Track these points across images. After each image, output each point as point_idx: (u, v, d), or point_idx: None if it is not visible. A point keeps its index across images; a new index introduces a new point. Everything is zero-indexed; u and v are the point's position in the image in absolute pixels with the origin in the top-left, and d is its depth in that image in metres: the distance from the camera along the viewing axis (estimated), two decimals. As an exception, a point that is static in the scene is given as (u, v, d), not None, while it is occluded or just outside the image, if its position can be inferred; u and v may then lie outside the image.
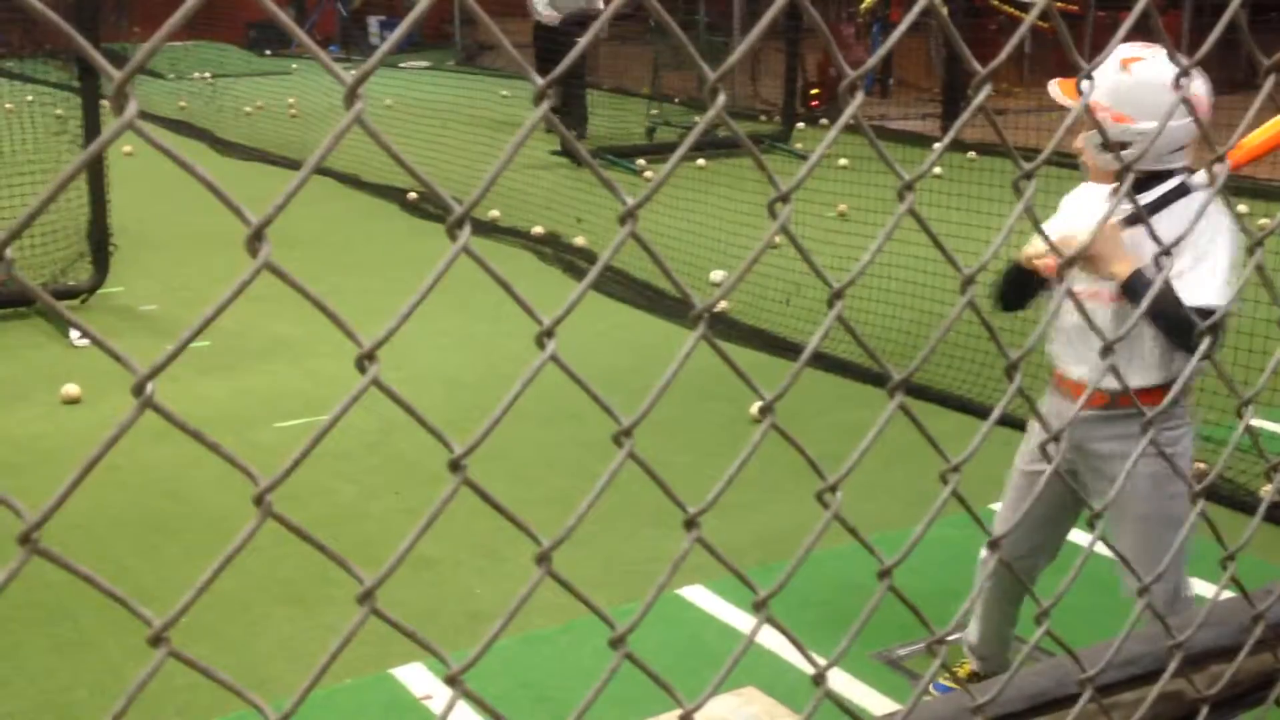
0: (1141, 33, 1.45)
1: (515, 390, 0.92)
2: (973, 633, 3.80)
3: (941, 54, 16.05)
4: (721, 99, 1.03)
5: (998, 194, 7.32)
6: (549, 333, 0.99)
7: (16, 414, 6.25)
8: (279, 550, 4.49)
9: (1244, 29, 1.29)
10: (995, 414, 1.24)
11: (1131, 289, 2.99)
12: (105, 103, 7.14)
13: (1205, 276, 2.99)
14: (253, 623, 4.28)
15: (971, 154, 11.46)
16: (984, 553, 3.54)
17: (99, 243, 7.93)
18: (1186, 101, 1.35)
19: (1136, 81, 3.08)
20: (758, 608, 1.14)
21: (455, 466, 0.98)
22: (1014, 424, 5.30)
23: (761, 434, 1.06)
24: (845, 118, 1.09)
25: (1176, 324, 2.94)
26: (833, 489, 1.10)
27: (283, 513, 0.86)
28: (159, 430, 0.82)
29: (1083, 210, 3.30)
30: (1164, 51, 3.08)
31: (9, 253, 0.73)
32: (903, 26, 1.21)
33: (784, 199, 1.09)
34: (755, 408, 5.54)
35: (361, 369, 0.93)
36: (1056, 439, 1.26)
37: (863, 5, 16.56)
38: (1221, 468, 1.48)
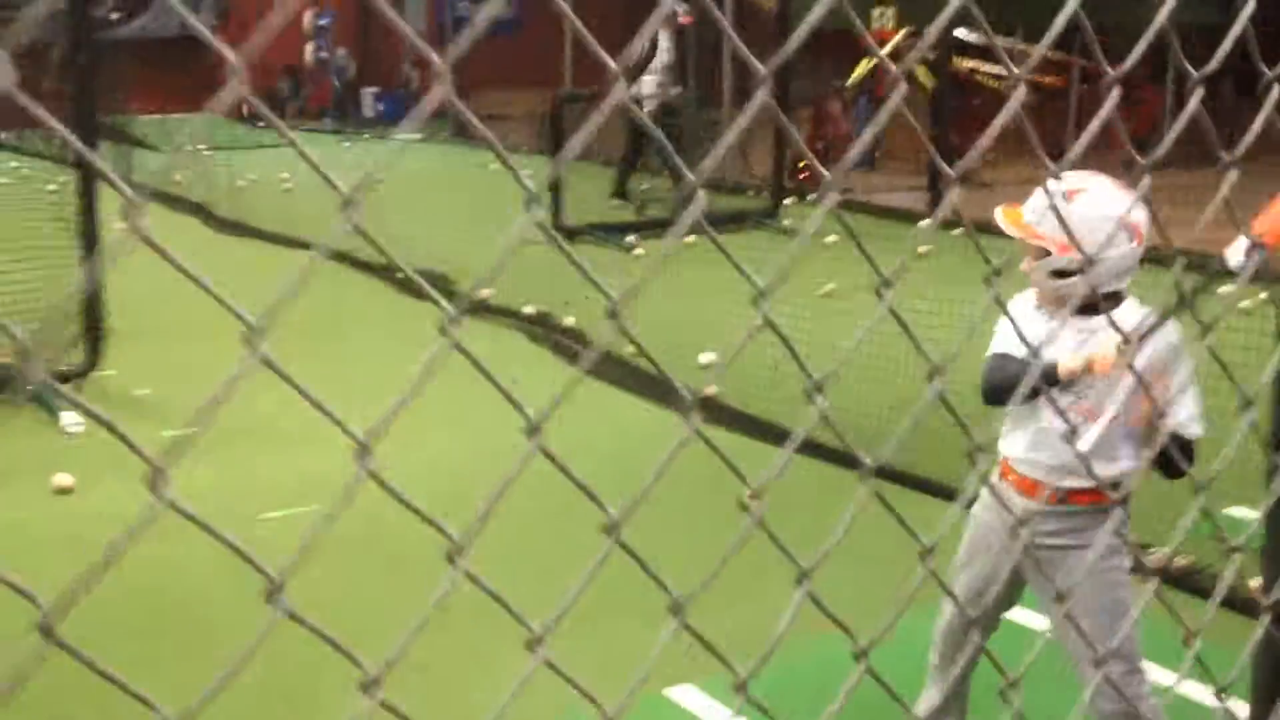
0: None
1: (497, 491, 0.96)
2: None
3: (928, 128, 16.23)
4: (701, 199, 1.08)
5: (983, 270, 7.36)
6: (536, 430, 1.03)
7: (4, 501, 6.10)
8: (271, 647, 4.47)
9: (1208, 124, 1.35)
10: (961, 500, 1.28)
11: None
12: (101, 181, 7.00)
13: (1192, 406, 3.18)
14: None
15: (958, 231, 11.60)
16: (933, 657, 3.74)
17: (93, 326, 7.80)
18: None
19: (1078, 214, 3.15)
20: (738, 690, 1.18)
21: (452, 559, 1.02)
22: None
23: (746, 530, 1.10)
24: (817, 216, 1.14)
25: (1184, 454, 3.09)
26: (801, 578, 1.14)
27: (296, 610, 0.90)
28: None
29: (1032, 324, 3.37)
30: (1105, 180, 3.25)
31: None
32: (882, 115, 1.26)
33: (764, 295, 1.13)
34: (747, 494, 5.54)
35: (358, 458, 0.98)
36: (1023, 523, 1.30)
37: (849, 80, 16.76)
38: (1174, 550, 1.52)
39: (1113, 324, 1.55)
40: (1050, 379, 3.32)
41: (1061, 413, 1.47)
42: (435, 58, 0.86)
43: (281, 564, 0.92)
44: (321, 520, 0.88)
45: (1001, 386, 3.41)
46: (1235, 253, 3.17)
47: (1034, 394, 3.39)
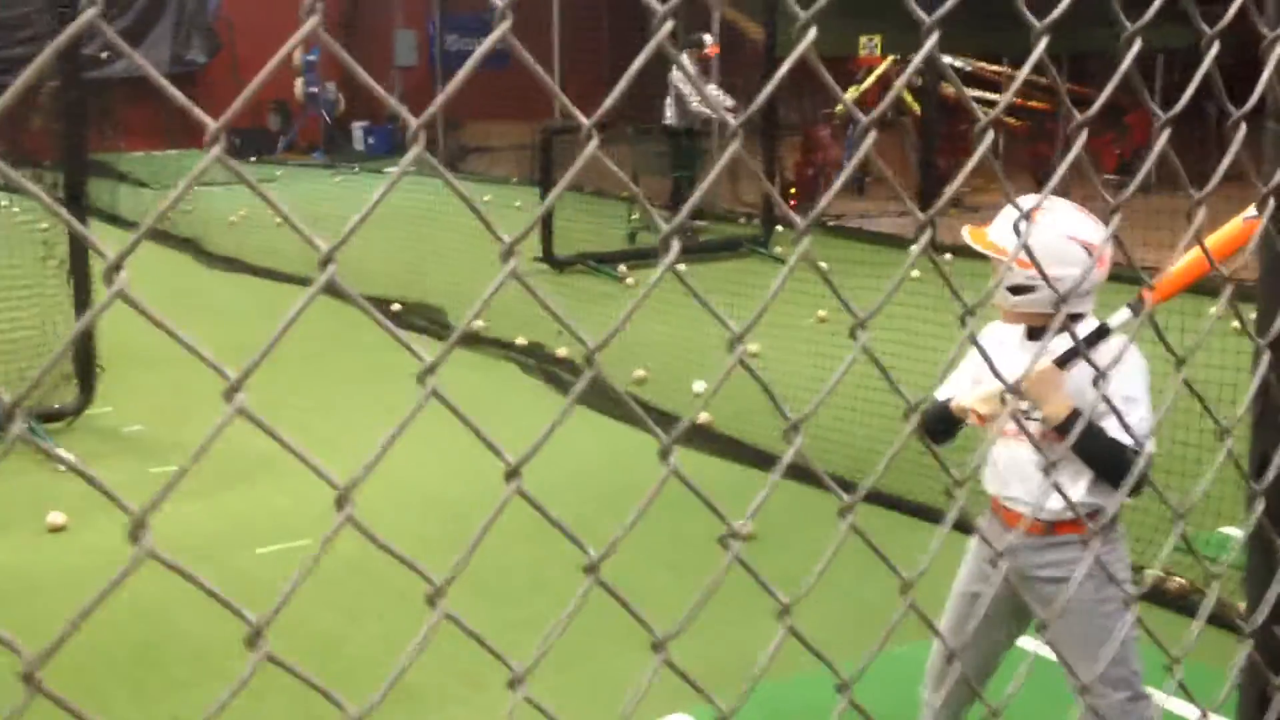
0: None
1: (476, 537, 0.98)
2: None
3: (916, 153, 16.30)
4: (676, 248, 1.10)
5: (971, 297, 7.36)
6: (515, 473, 1.05)
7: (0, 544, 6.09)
8: (261, 684, 4.47)
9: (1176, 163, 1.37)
10: (943, 529, 1.30)
11: (1068, 430, 3.09)
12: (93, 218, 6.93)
13: (1136, 420, 3.16)
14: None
15: (948, 256, 11.64)
16: (926, 693, 3.64)
17: (85, 364, 7.77)
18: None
19: (1039, 232, 3.17)
20: (724, 727, 1.19)
21: (432, 601, 1.04)
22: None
23: (726, 567, 1.12)
24: (794, 260, 1.16)
25: (1110, 464, 3.18)
26: (782, 614, 1.16)
27: (279, 654, 0.92)
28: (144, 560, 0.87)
29: (1000, 355, 3.38)
30: (1066, 203, 3.31)
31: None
32: (851, 164, 1.28)
33: (739, 339, 1.15)
34: (731, 527, 5.52)
35: (338, 506, 0.99)
36: (998, 558, 1.32)
37: (838, 108, 16.83)
38: (1158, 576, 1.54)
39: (1083, 346, 1.56)
40: (946, 416, 3.45)
41: (1034, 431, 1.49)
42: (412, 120, 0.88)
43: (268, 605, 0.94)
44: (303, 566, 0.90)
45: (930, 432, 3.52)
46: (1119, 316, 3.25)
47: (951, 429, 3.49)
